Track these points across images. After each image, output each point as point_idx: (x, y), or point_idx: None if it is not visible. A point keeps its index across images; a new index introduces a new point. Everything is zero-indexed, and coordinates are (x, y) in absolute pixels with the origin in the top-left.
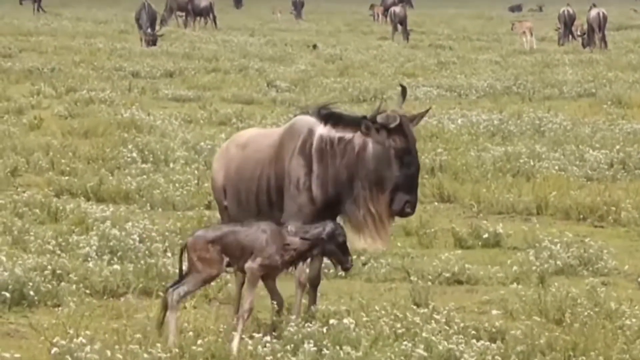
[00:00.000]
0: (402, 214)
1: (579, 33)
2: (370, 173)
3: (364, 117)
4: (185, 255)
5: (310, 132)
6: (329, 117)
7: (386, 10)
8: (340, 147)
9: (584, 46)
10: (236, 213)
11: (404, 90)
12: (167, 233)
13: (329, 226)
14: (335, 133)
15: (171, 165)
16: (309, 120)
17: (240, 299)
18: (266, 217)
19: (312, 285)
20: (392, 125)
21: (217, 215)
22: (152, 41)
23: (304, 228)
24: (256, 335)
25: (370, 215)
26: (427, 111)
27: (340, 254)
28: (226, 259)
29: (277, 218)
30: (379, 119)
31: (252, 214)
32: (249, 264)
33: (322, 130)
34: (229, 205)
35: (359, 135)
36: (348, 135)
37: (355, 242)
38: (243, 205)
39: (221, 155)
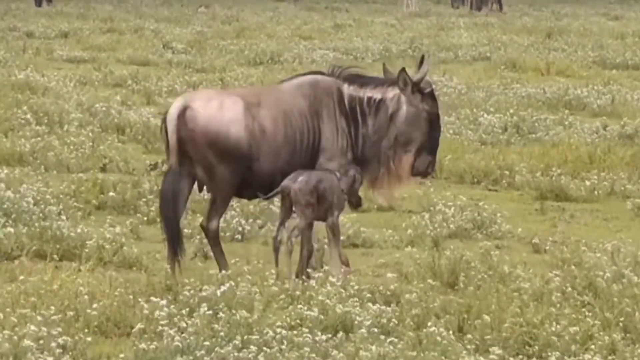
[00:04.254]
0: (426, 174)
1: None
2: (402, 134)
3: (403, 71)
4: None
5: (340, 91)
6: (353, 78)
7: None
8: (370, 107)
9: (471, 7)
10: (270, 171)
11: (422, 59)
12: (61, 196)
13: (353, 170)
14: (363, 93)
15: (65, 127)
16: (330, 80)
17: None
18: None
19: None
20: (427, 91)
21: (111, 178)
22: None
23: (341, 173)
24: (153, 299)
25: (390, 174)
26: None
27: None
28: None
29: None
30: (423, 83)
31: (287, 170)
32: (332, 220)
33: (348, 90)
34: (262, 165)
35: (391, 96)
36: (377, 95)
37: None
38: (279, 162)
39: (233, 120)
